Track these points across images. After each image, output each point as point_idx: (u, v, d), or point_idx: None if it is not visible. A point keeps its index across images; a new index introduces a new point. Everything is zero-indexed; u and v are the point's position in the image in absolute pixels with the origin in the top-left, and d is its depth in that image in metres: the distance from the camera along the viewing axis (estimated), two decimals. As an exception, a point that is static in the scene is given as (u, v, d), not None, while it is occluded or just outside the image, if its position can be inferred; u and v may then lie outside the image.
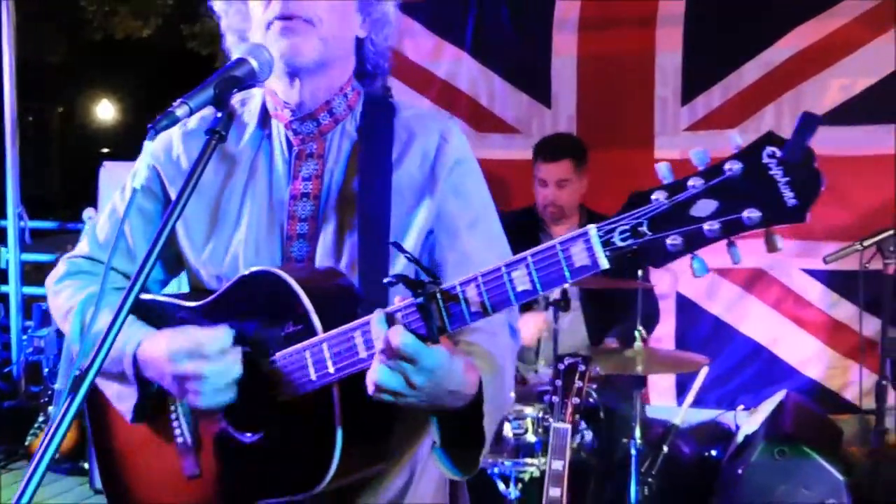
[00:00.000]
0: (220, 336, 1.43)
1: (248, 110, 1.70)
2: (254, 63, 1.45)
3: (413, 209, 1.58)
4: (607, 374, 3.35)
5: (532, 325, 3.65)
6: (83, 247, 1.78)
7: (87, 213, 4.69)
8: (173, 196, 1.66)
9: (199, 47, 11.03)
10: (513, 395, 3.15)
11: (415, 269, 1.27)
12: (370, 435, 1.46)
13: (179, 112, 1.32)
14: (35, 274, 5.97)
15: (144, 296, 1.66)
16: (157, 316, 1.61)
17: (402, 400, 1.29)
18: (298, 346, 1.40)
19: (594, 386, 3.24)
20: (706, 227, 1.11)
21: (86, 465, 4.67)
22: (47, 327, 5.41)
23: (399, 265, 1.54)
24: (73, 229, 5.93)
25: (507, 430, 3.14)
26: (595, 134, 4.44)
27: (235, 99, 1.67)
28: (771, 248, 1.11)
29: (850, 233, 3.77)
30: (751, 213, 1.09)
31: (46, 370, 5.13)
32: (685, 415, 3.93)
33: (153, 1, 10.80)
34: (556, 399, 2.75)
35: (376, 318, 1.28)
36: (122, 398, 1.59)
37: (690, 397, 3.92)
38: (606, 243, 1.15)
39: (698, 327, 4.49)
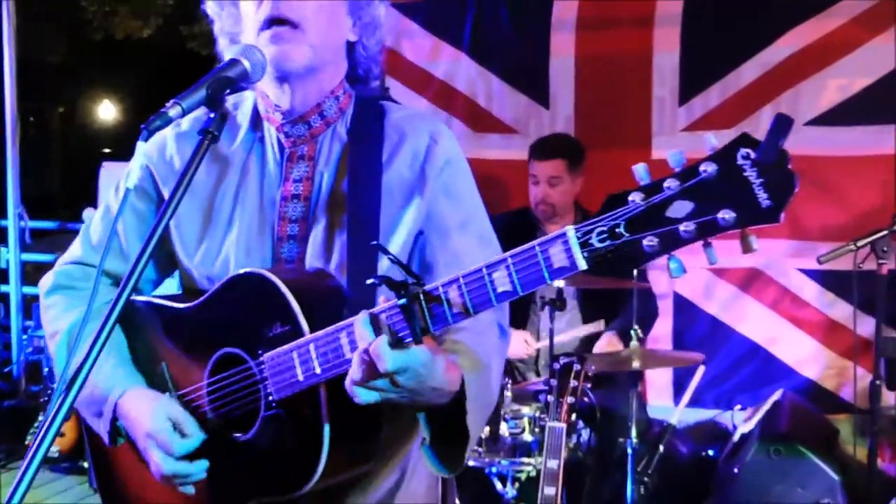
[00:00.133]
0: (191, 442, 1.53)
1: (241, 112, 1.72)
2: (246, 64, 1.46)
3: (403, 209, 1.60)
4: (602, 371, 3.36)
5: (514, 343, 3.66)
6: (75, 250, 1.79)
7: (87, 213, 4.69)
8: (166, 196, 1.67)
9: (199, 48, 11.04)
10: (509, 393, 3.18)
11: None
12: (358, 435, 1.47)
13: (172, 113, 1.33)
14: (35, 274, 5.97)
15: (136, 297, 1.68)
16: (147, 318, 1.63)
17: (384, 396, 1.31)
18: (286, 347, 1.42)
19: (589, 385, 3.25)
20: (682, 228, 1.12)
21: (85, 465, 4.67)
22: (47, 327, 5.41)
23: (387, 266, 1.55)
24: (73, 229, 5.93)
25: (504, 430, 3.15)
26: (593, 134, 4.45)
27: (228, 102, 1.68)
28: (746, 248, 1.12)
29: (847, 233, 3.77)
30: (726, 214, 1.10)
31: (46, 370, 5.14)
32: (682, 414, 3.94)
33: (153, 1, 10.82)
34: (551, 398, 2.77)
35: (360, 319, 1.29)
36: (99, 430, 1.65)
37: (686, 397, 3.93)
38: (584, 244, 1.16)
39: (695, 327, 4.49)
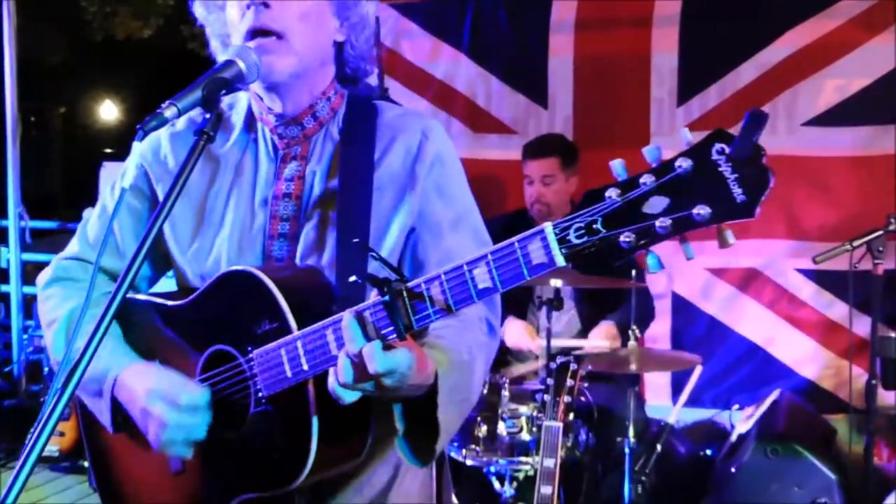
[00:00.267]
0: (197, 393, 1.49)
1: (235, 113, 1.73)
2: (241, 65, 1.47)
3: (394, 206, 1.60)
4: (600, 371, 3.37)
5: (516, 333, 3.67)
6: (73, 247, 1.81)
7: (88, 213, 4.69)
8: (161, 195, 1.69)
9: (199, 48, 11.00)
10: (507, 393, 3.18)
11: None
12: (347, 429, 1.48)
13: (168, 113, 1.34)
14: (35, 274, 5.91)
15: (131, 295, 1.69)
16: (142, 315, 1.64)
17: (364, 391, 1.33)
18: (274, 343, 1.43)
19: (586, 385, 3.26)
20: (658, 223, 1.12)
21: (85, 464, 4.68)
22: (47, 326, 5.42)
23: (377, 263, 1.56)
24: (73, 229, 5.85)
25: (502, 429, 3.16)
26: (591, 134, 4.46)
27: (224, 103, 1.69)
28: (722, 244, 1.12)
29: (844, 233, 3.77)
30: (701, 210, 1.10)
31: (47, 369, 5.15)
32: (680, 414, 3.94)
33: (154, 1, 10.81)
34: (547, 398, 2.77)
35: (347, 318, 1.31)
36: (100, 412, 1.64)
37: (684, 397, 3.94)
38: (563, 241, 1.17)
39: (693, 327, 4.50)
